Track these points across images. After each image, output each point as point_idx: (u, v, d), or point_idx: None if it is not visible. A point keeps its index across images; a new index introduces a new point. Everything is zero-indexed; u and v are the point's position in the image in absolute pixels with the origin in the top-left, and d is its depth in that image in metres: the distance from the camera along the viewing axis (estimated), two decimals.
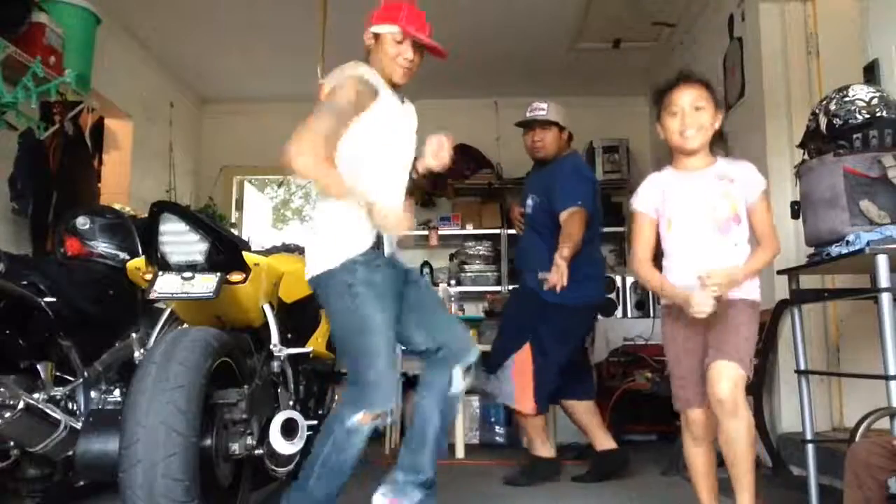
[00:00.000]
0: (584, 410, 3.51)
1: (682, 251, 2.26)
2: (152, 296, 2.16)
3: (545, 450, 3.44)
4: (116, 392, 2.29)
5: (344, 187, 2.09)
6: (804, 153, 2.69)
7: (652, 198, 2.32)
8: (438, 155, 2.37)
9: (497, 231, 5.90)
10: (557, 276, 3.13)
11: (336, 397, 3.32)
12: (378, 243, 2.19)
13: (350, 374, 2.18)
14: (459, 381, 2.29)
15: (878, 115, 2.44)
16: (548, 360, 3.31)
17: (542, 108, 3.52)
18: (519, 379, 3.33)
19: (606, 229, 4.65)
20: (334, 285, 2.15)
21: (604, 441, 3.48)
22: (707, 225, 2.22)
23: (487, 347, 3.54)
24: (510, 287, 5.61)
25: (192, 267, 2.18)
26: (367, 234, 2.17)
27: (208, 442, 1.98)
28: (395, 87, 2.30)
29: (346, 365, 2.22)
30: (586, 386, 3.63)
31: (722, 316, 2.17)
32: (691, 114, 2.21)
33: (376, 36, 2.30)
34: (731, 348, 2.13)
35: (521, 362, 3.33)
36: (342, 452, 2.10)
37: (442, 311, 2.43)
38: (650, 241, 2.32)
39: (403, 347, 2.36)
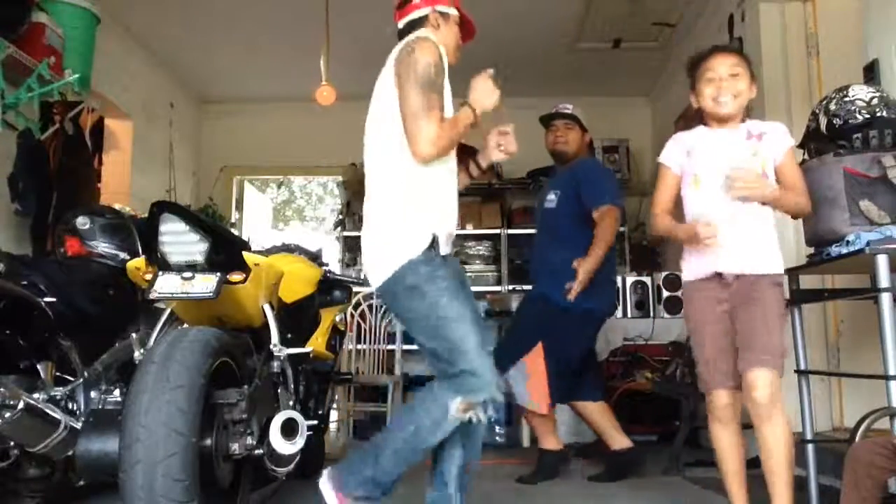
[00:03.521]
0: (597, 410, 3.51)
1: (706, 210, 2.25)
2: (152, 296, 2.16)
3: (552, 442, 3.45)
4: (116, 392, 2.28)
5: (467, 119, 2.12)
6: (804, 153, 2.69)
7: (677, 154, 2.35)
8: (506, 147, 2.35)
9: (497, 231, 5.90)
10: (578, 289, 3.21)
11: (336, 397, 3.33)
12: (434, 243, 2.13)
13: (446, 368, 2.08)
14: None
15: (878, 115, 2.44)
16: (561, 362, 3.30)
17: (567, 107, 3.58)
18: (532, 380, 3.30)
19: None
20: (401, 290, 2.10)
21: (619, 440, 3.48)
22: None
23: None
24: (510, 287, 5.61)
25: (192, 267, 2.17)
26: (423, 234, 2.12)
27: (208, 442, 1.97)
28: None
29: (438, 363, 2.11)
30: (596, 387, 3.64)
31: (748, 301, 2.17)
32: (728, 80, 2.24)
33: (444, 15, 2.27)
34: (761, 350, 2.12)
35: (534, 363, 3.31)
36: (429, 434, 2.05)
37: (483, 327, 2.25)
38: (671, 195, 2.36)
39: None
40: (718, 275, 2.24)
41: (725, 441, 2.27)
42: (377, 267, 2.16)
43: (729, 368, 2.21)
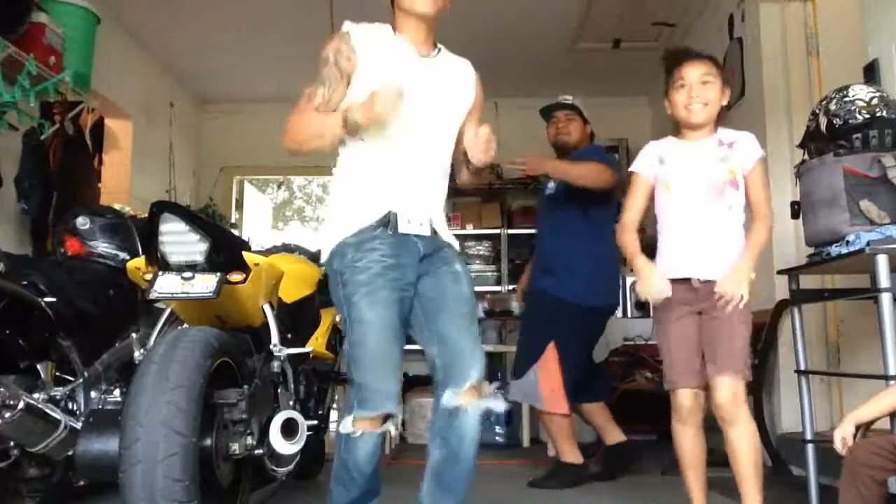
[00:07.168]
0: (595, 408, 3.53)
1: (677, 214, 2.28)
2: (152, 296, 2.16)
3: (573, 455, 3.36)
4: (116, 392, 2.29)
5: (321, 120, 1.99)
6: (804, 153, 2.69)
7: (650, 162, 2.35)
8: (482, 152, 1.98)
9: (497, 231, 5.90)
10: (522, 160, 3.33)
11: (336, 397, 3.33)
12: (386, 221, 1.94)
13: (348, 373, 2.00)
14: (453, 400, 1.89)
15: (878, 115, 2.44)
16: (571, 359, 3.30)
17: (567, 97, 3.59)
18: (547, 382, 3.27)
19: None
20: (330, 274, 1.99)
21: (614, 435, 3.50)
22: (703, 188, 2.25)
23: (489, 348, 3.54)
24: (510, 287, 5.60)
25: (192, 267, 2.17)
26: (364, 213, 1.95)
27: (208, 442, 1.97)
28: (424, 42, 2.05)
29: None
30: (601, 387, 3.65)
31: (713, 307, 2.18)
32: (698, 88, 2.24)
33: None
34: (727, 359, 2.15)
35: (547, 365, 3.28)
36: (345, 457, 1.93)
37: (455, 315, 1.99)
38: (640, 205, 2.36)
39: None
40: (686, 279, 2.24)
41: (685, 440, 2.28)
42: (322, 248, 2.05)
43: (693, 369, 2.23)
